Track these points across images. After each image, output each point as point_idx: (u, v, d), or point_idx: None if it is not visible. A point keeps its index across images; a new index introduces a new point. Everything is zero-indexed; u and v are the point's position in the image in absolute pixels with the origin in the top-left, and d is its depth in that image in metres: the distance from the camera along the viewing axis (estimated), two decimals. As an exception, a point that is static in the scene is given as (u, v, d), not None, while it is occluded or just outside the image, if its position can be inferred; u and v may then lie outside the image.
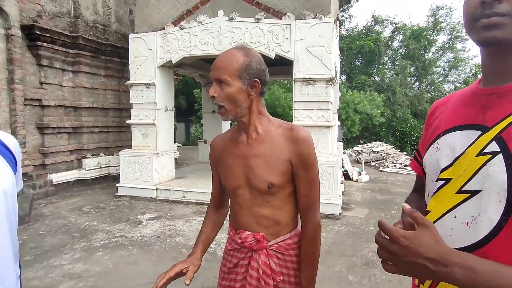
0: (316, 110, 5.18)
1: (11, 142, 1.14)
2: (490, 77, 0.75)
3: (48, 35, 6.11)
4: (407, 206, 0.68)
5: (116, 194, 6.27)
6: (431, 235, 0.63)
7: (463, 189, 0.72)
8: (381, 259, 0.67)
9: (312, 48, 5.13)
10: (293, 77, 5.23)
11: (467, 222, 0.70)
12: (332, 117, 5.54)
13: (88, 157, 7.17)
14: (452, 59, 21.73)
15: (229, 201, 1.42)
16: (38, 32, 5.92)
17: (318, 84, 5.13)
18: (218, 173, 1.35)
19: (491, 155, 0.68)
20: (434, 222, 0.76)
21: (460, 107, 0.81)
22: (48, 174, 6.30)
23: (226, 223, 1.40)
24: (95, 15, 7.38)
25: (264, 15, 5.35)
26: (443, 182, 0.77)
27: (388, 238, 0.66)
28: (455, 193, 0.73)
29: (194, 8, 5.76)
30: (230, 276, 1.32)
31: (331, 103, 5.25)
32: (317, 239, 1.24)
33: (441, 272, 0.61)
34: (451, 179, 0.75)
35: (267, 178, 1.19)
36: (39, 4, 6.12)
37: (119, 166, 7.24)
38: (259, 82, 1.17)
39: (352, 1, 15.72)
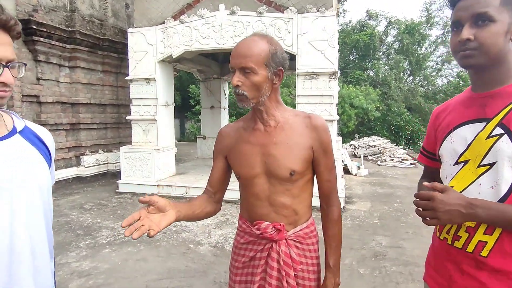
0: (319, 104, 5.18)
1: (46, 136, 1.11)
2: (478, 86, 1.04)
3: (45, 29, 5.98)
4: (427, 183, 0.97)
5: (117, 191, 6.20)
6: (455, 192, 0.95)
7: (482, 163, 0.97)
8: (421, 219, 0.97)
9: (315, 42, 5.11)
10: (296, 71, 5.21)
11: (492, 186, 0.94)
12: (334, 111, 5.54)
13: (87, 154, 7.07)
14: (445, 54, 21.94)
15: (219, 200, 1.35)
16: (34, 27, 5.78)
17: (321, 78, 5.12)
18: (229, 163, 1.31)
19: (498, 136, 0.94)
20: (460, 192, 1.00)
21: (462, 109, 1.07)
22: (46, 171, 6.19)
23: (232, 218, 1.38)
24: (92, 9, 7.24)
25: (266, 9, 5.31)
26: (463, 163, 1.02)
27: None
28: (476, 168, 0.98)
29: (194, 1, 5.69)
30: (246, 270, 1.29)
31: (333, 97, 5.25)
32: (340, 220, 1.30)
33: (469, 213, 0.90)
34: (468, 160, 1.01)
35: (289, 165, 1.18)
36: (35, -2, 5.98)
37: (118, 163, 7.17)
38: (283, 71, 1.17)
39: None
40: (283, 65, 1.17)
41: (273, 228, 1.21)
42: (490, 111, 0.98)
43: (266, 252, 1.24)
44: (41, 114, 6.23)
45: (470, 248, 0.97)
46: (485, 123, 0.98)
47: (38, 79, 6.19)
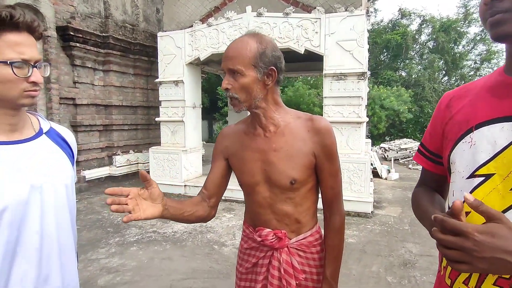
0: (347, 106, 5.05)
1: (69, 136, 1.15)
2: None
3: (81, 35, 6.28)
4: (458, 202, 0.63)
5: (146, 190, 6.37)
6: (506, 227, 0.59)
7: None
8: (449, 260, 0.62)
9: (343, 42, 4.99)
10: (323, 72, 5.11)
11: None
12: (364, 112, 5.39)
13: (118, 154, 7.34)
14: (485, 52, 20.74)
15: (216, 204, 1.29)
16: (71, 33, 6.09)
17: (349, 79, 5.00)
18: (230, 166, 1.26)
19: None
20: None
21: (492, 99, 0.76)
22: (81, 170, 6.50)
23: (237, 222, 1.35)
24: (124, 15, 7.53)
25: (293, 10, 5.26)
26: (483, 178, 0.72)
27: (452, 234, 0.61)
28: (510, 190, 0.68)
29: (221, 4, 5.75)
30: (249, 276, 1.27)
31: (362, 98, 5.10)
32: (343, 230, 1.21)
33: None
34: (492, 174, 0.70)
35: (289, 173, 1.12)
36: (72, 6, 6.30)
37: (147, 163, 7.38)
38: (276, 70, 1.10)
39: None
40: (275, 64, 1.09)
41: (274, 236, 1.17)
42: None
43: (267, 259, 1.21)
44: (77, 116, 6.54)
45: None
46: None
47: (74, 82, 6.52)
